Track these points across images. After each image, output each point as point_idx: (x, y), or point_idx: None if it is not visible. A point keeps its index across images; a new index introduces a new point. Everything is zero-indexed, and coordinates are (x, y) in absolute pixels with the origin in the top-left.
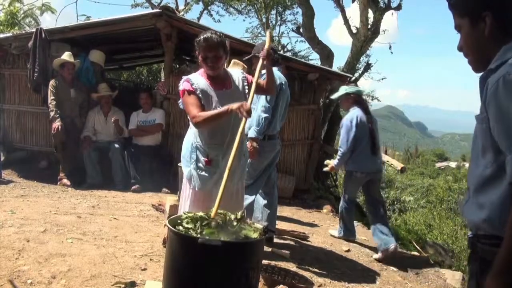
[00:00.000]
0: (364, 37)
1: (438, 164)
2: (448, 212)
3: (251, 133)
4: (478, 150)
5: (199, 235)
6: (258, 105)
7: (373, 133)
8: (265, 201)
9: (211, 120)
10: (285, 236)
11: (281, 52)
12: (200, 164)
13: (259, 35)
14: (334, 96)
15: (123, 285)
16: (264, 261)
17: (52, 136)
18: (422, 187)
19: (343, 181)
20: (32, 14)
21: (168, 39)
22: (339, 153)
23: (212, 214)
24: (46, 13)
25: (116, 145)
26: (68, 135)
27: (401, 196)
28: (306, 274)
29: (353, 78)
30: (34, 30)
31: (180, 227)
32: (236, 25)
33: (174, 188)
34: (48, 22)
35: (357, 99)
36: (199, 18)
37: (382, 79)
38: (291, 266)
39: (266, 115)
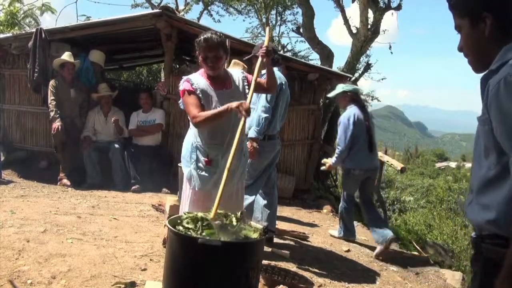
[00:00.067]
0: (364, 37)
1: (438, 164)
2: (448, 212)
3: (251, 133)
4: (481, 151)
5: (199, 235)
6: (258, 105)
7: (370, 130)
8: (265, 201)
9: (211, 119)
10: (285, 236)
11: (281, 52)
12: (200, 164)
13: (259, 35)
14: (331, 94)
15: (123, 285)
16: (264, 261)
17: (52, 136)
18: (422, 187)
19: (341, 181)
20: (32, 14)
21: (168, 39)
22: (336, 151)
23: (211, 215)
24: (46, 13)
25: (116, 145)
26: (68, 135)
27: (401, 196)
28: (306, 274)
29: (353, 78)
30: (34, 30)
31: (180, 227)
32: (236, 25)
33: (174, 188)
34: (48, 22)
35: (354, 97)
36: (199, 18)
37: (382, 79)
38: (291, 266)
39: (266, 115)
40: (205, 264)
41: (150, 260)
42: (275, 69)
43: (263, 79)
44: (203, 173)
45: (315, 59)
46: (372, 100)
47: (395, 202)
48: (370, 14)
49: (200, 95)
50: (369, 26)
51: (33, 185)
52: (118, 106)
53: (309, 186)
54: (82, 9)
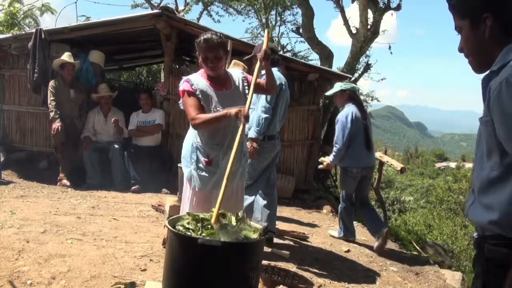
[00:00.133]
0: (364, 38)
1: (438, 164)
2: (448, 213)
3: (251, 134)
4: (483, 152)
5: (199, 236)
6: (258, 105)
7: (367, 129)
8: (265, 202)
9: (209, 123)
10: (285, 237)
11: (281, 53)
12: (200, 165)
13: (259, 35)
14: (329, 92)
15: (123, 286)
16: (264, 262)
17: (52, 137)
18: (422, 187)
19: (340, 180)
20: (32, 14)
21: (168, 40)
22: (334, 149)
23: (213, 220)
24: (46, 14)
25: (116, 146)
26: (68, 136)
27: (401, 196)
28: (306, 274)
29: (353, 78)
30: (34, 30)
31: (180, 228)
32: (235, 26)
33: (174, 189)
34: (48, 22)
35: (352, 96)
36: (198, 19)
37: (382, 79)
38: (291, 267)
39: (266, 115)
40: (205, 265)
41: (150, 260)
42: (275, 69)
43: (262, 80)
44: (204, 173)
45: (314, 59)
46: (371, 100)
47: (395, 202)
48: (370, 15)
49: (200, 96)
50: (368, 27)
51: (33, 185)
52: (118, 106)
53: (309, 186)
54: (82, 10)
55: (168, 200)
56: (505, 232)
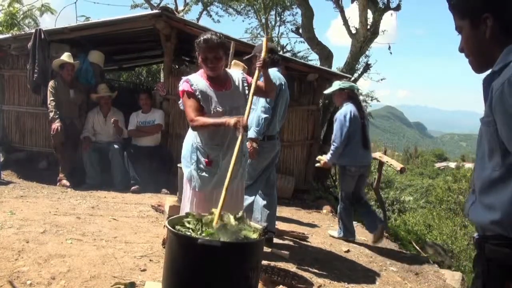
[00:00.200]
0: (364, 38)
1: (438, 165)
2: (448, 213)
3: (251, 134)
4: (484, 152)
5: (198, 236)
6: (258, 105)
7: (365, 128)
8: (265, 202)
9: (207, 127)
10: (285, 237)
11: (281, 53)
12: (200, 165)
13: (259, 35)
14: (328, 91)
15: (122, 286)
16: (264, 262)
17: (52, 137)
18: (422, 187)
19: (338, 180)
20: (31, 15)
21: (168, 40)
22: (332, 147)
23: (214, 223)
24: (45, 14)
25: (116, 146)
26: (67, 136)
27: (400, 196)
28: (306, 274)
29: (352, 78)
30: (33, 31)
31: (180, 227)
32: (235, 26)
33: (174, 189)
34: (47, 23)
35: (351, 95)
36: (198, 19)
37: (382, 79)
38: (291, 267)
39: (266, 115)
40: (204, 265)
41: (150, 260)
42: (275, 69)
43: (261, 82)
44: (204, 173)
45: (314, 59)
46: (371, 100)
47: (395, 203)
48: (370, 15)
49: (199, 96)
50: (368, 27)
51: (33, 185)
52: (118, 106)
53: (309, 187)
54: (82, 10)
55: (168, 200)
56: (507, 232)
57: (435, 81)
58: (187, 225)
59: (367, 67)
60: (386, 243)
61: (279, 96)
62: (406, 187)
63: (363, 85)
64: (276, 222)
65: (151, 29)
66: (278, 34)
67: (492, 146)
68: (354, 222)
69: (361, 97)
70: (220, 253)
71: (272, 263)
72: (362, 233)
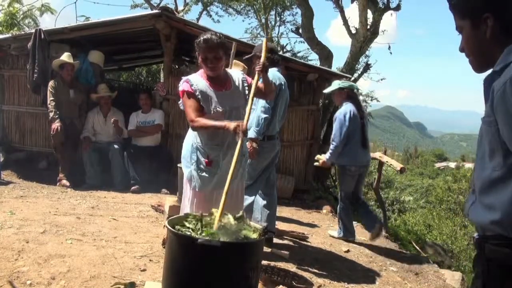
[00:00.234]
0: (363, 38)
1: (438, 165)
2: (448, 213)
3: (251, 134)
4: (485, 152)
5: (198, 236)
6: (258, 105)
7: (364, 127)
8: (265, 202)
9: (207, 129)
10: (285, 237)
11: (281, 53)
12: (201, 165)
13: (258, 35)
14: (327, 90)
15: (122, 286)
16: (264, 262)
17: (52, 137)
18: (422, 187)
19: (338, 180)
20: (31, 15)
21: (168, 40)
22: (331, 146)
23: (215, 227)
24: (45, 14)
25: (116, 146)
26: (67, 136)
27: (400, 196)
28: (306, 274)
29: (352, 78)
30: (33, 31)
31: (180, 227)
32: (235, 26)
33: (174, 189)
34: (47, 23)
35: (350, 94)
36: (198, 19)
37: (382, 79)
38: (291, 267)
39: (266, 115)
40: (204, 265)
41: (150, 260)
42: (275, 69)
43: (260, 84)
44: (204, 174)
45: (314, 59)
46: (371, 100)
47: (395, 203)
48: (369, 15)
49: (199, 96)
50: (368, 27)
51: (33, 185)
52: (117, 106)
53: (309, 187)
54: (82, 10)
55: (168, 200)
56: (507, 232)
57: (435, 81)
58: (187, 225)
59: (367, 67)
60: (386, 243)
61: (279, 96)
62: (406, 187)
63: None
64: (276, 222)
65: (151, 29)
66: (278, 34)
67: (493, 146)
68: (354, 222)
69: (361, 97)
70: (220, 253)
71: (272, 263)
72: (362, 233)
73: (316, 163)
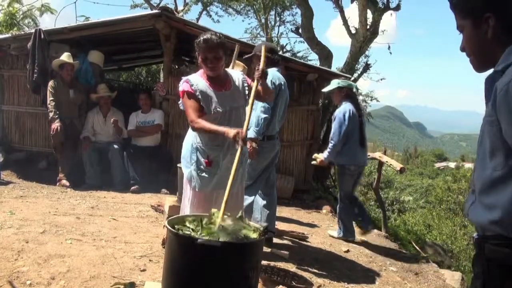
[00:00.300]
0: (363, 38)
1: (437, 165)
2: (447, 213)
3: (250, 134)
4: (486, 152)
5: (198, 236)
6: (258, 105)
7: (362, 126)
8: (265, 202)
9: (207, 132)
10: (284, 237)
11: (280, 53)
12: (200, 165)
13: (258, 35)
14: (326, 89)
15: (122, 286)
16: (264, 262)
17: (51, 137)
18: (421, 187)
19: (337, 180)
20: (31, 15)
21: (167, 40)
22: (330, 145)
23: (217, 226)
24: (45, 14)
25: (116, 146)
26: (67, 136)
27: (400, 196)
28: (305, 274)
29: (352, 78)
30: (33, 31)
31: (180, 227)
32: (235, 26)
33: (174, 189)
34: (47, 23)
35: (349, 93)
36: (198, 19)
37: (381, 79)
38: (291, 267)
39: (265, 115)
40: (204, 265)
41: (149, 260)
42: (275, 69)
43: (259, 87)
44: (204, 174)
45: (314, 59)
46: (371, 100)
47: (394, 202)
48: (369, 15)
49: (200, 97)
50: (368, 27)
51: (32, 185)
52: (117, 106)
53: (308, 187)
54: (81, 10)
55: (168, 200)
56: (507, 232)
57: (435, 81)
58: (187, 225)
59: (366, 67)
60: (386, 243)
61: (279, 96)
62: (406, 187)
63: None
64: (276, 222)
65: (150, 29)
66: (277, 34)
67: (495, 146)
68: (353, 222)
69: (361, 97)
70: (220, 253)
71: (272, 263)
72: (361, 233)
73: (313, 162)
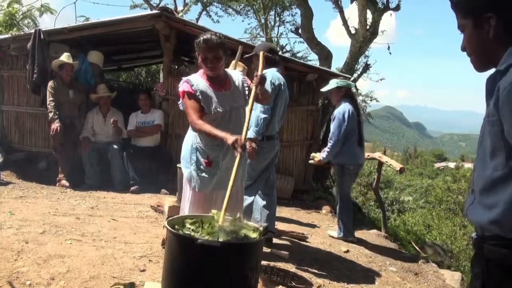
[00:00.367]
0: (363, 38)
1: (437, 165)
2: (447, 213)
3: (250, 134)
4: (486, 152)
5: (198, 236)
6: (257, 106)
7: (361, 126)
8: (264, 202)
9: (206, 134)
10: (284, 237)
11: (280, 53)
12: (200, 166)
13: (258, 35)
14: (325, 88)
15: (122, 286)
16: (263, 262)
17: (51, 137)
18: (421, 187)
19: (336, 180)
20: (30, 15)
21: (167, 40)
22: (329, 145)
23: (219, 225)
24: (45, 14)
25: (115, 146)
26: (67, 136)
27: (400, 196)
28: (305, 275)
29: (352, 78)
30: (33, 31)
31: (179, 227)
32: (235, 26)
33: (173, 189)
34: (47, 23)
35: (348, 93)
36: (197, 19)
37: (381, 79)
38: (290, 267)
39: (265, 115)
40: (204, 265)
41: (149, 261)
42: (274, 69)
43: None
44: (204, 174)
45: (313, 59)
46: (370, 100)
47: (394, 203)
48: (369, 15)
49: (200, 97)
50: (367, 27)
51: (32, 186)
52: (117, 107)
53: (308, 187)
54: (81, 10)
55: (167, 200)
56: (504, 233)
57: (435, 81)
58: (187, 225)
59: (366, 67)
60: (385, 243)
61: (278, 96)
62: (406, 187)
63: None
64: (276, 222)
65: (150, 30)
66: (277, 34)
67: (496, 146)
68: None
69: (360, 97)
70: (220, 253)
71: (272, 263)
72: (361, 234)
73: (311, 161)
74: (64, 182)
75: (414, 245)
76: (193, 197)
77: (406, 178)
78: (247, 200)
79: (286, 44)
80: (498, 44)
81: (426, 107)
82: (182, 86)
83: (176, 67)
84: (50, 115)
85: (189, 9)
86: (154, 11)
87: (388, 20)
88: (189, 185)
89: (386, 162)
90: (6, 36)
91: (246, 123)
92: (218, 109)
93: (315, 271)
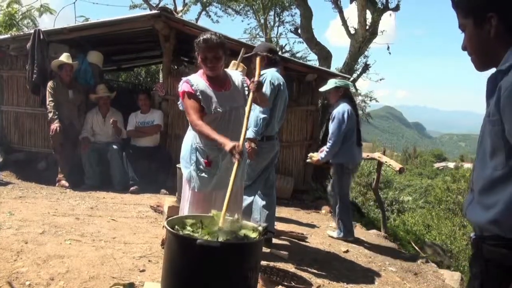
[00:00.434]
0: (362, 38)
1: (437, 165)
2: (447, 213)
3: (249, 134)
4: (486, 151)
5: (197, 236)
6: (256, 106)
7: (359, 125)
8: (264, 202)
9: (205, 136)
10: (284, 237)
11: (279, 53)
12: (200, 166)
13: (257, 36)
14: (323, 88)
15: (121, 287)
16: (263, 262)
17: (51, 138)
18: (421, 187)
19: (334, 180)
20: (30, 15)
21: (167, 40)
22: (328, 145)
23: (220, 225)
24: (44, 14)
25: (115, 146)
26: (66, 136)
27: (399, 196)
28: (305, 275)
29: (351, 78)
30: (32, 31)
31: (179, 228)
32: (234, 26)
33: (173, 189)
34: (46, 23)
35: (346, 93)
36: (197, 19)
37: (380, 79)
38: (290, 267)
39: (264, 115)
40: (203, 265)
41: (149, 261)
42: (274, 69)
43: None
44: (203, 174)
45: (313, 60)
46: (370, 100)
47: (394, 203)
48: (368, 15)
49: (200, 97)
50: (367, 27)
51: (32, 186)
52: (116, 107)
53: (308, 187)
54: (81, 10)
55: (167, 200)
56: (504, 233)
57: (434, 81)
58: (187, 225)
59: (366, 67)
60: (385, 243)
61: (278, 96)
62: (405, 187)
63: (362, 85)
64: (275, 223)
65: (150, 30)
66: (277, 34)
67: (496, 146)
68: (353, 222)
69: (360, 97)
70: (219, 254)
71: (271, 264)
72: (361, 233)
73: (308, 160)
74: (63, 182)
75: (413, 245)
76: (192, 197)
77: (406, 178)
78: (247, 200)
79: (286, 44)
80: (499, 44)
81: (425, 107)
82: (182, 86)
83: (176, 67)
84: (50, 115)
85: (189, 9)
86: (154, 11)
87: (387, 20)
88: (188, 185)
89: (386, 162)
90: (6, 36)
91: (244, 127)
92: (218, 109)
93: (314, 271)
